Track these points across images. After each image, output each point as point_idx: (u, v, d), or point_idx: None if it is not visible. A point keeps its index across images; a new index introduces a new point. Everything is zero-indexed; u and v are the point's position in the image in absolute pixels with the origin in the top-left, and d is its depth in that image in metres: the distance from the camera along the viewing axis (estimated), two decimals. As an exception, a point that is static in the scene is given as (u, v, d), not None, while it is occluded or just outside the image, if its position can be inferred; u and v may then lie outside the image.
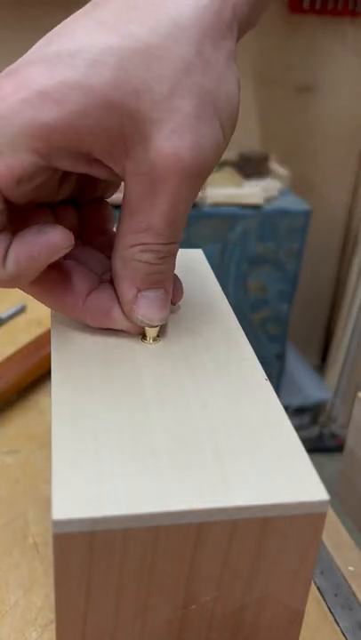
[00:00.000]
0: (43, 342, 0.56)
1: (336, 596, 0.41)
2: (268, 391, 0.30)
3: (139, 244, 0.30)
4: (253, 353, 0.33)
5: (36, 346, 0.56)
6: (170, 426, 0.28)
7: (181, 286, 0.36)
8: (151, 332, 0.33)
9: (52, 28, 0.28)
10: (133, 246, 0.30)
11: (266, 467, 0.26)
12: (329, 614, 0.40)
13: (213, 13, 0.27)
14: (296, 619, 0.28)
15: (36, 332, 0.60)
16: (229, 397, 0.30)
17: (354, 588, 0.42)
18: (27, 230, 0.29)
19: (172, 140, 0.26)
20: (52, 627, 0.37)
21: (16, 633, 0.36)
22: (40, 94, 0.25)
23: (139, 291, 0.31)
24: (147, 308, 0.31)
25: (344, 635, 0.38)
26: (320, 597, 0.41)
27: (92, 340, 0.33)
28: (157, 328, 0.33)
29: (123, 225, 0.30)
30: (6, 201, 0.28)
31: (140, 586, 0.26)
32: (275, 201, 1.50)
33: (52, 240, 0.29)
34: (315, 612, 0.39)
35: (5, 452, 0.48)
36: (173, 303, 0.34)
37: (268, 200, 1.49)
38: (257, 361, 0.33)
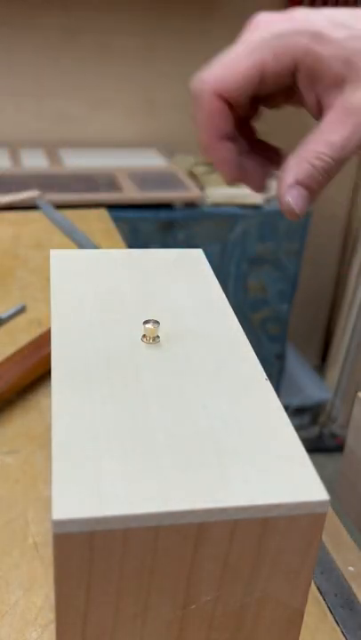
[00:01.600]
0: (43, 342, 0.56)
1: (336, 596, 0.41)
2: (268, 391, 0.30)
3: (316, 151, 0.39)
4: (253, 353, 0.33)
5: (35, 346, 0.55)
6: (170, 426, 0.28)
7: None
8: (151, 332, 0.33)
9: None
10: (312, 151, 0.39)
11: (266, 467, 0.26)
12: (329, 614, 0.40)
13: None
14: (296, 619, 0.28)
15: (36, 331, 0.60)
16: (229, 397, 0.30)
17: (354, 588, 0.42)
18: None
19: None
20: (52, 627, 0.37)
21: (16, 633, 0.36)
22: (317, 34, 0.38)
23: (297, 182, 0.40)
24: (296, 197, 0.41)
25: (344, 635, 0.38)
26: (320, 597, 0.41)
27: (93, 340, 0.33)
28: (157, 328, 0.33)
29: (310, 137, 0.40)
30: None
31: (140, 586, 0.26)
32: (275, 201, 1.50)
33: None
34: (315, 612, 0.39)
35: (5, 452, 0.48)
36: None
37: (268, 200, 1.49)
38: (257, 361, 0.33)
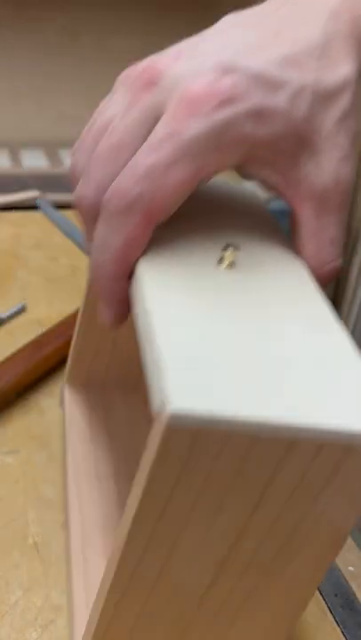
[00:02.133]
0: (43, 342, 0.56)
1: (336, 596, 0.41)
2: (341, 330, 0.31)
3: (329, 261, 0.36)
4: (321, 292, 0.33)
5: (36, 346, 0.56)
6: (266, 347, 0.28)
7: None
8: (229, 257, 0.33)
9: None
10: (326, 263, 0.36)
11: (357, 397, 0.27)
12: (329, 614, 0.40)
13: None
14: (341, 539, 0.30)
15: (36, 331, 0.60)
16: (307, 330, 0.30)
17: (354, 587, 0.42)
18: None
19: (340, 168, 0.34)
20: (52, 627, 0.37)
21: (16, 633, 0.36)
22: (257, 112, 0.31)
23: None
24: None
25: (344, 635, 0.38)
26: (320, 597, 0.41)
27: (172, 266, 0.33)
28: (235, 253, 0.33)
29: (308, 247, 0.36)
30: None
31: (220, 488, 0.26)
32: (275, 201, 1.50)
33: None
34: (315, 612, 0.39)
35: (5, 452, 0.48)
36: None
37: (268, 200, 1.50)
38: (326, 300, 0.33)
